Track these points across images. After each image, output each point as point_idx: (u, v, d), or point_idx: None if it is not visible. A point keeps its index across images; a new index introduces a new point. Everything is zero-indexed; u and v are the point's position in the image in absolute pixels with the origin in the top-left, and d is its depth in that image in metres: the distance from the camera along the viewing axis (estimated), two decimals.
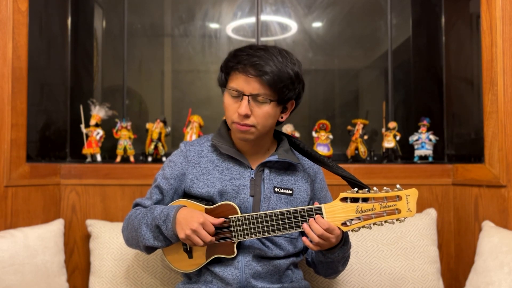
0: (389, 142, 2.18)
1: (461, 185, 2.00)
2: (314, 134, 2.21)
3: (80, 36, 2.39)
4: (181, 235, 1.36)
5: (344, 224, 1.31)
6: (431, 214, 1.95)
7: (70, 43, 2.32)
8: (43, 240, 1.80)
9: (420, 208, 2.01)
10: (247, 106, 1.37)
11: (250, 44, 1.45)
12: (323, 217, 1.32)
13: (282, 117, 1.47)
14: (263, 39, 2.46)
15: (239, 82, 1.38)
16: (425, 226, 1.90)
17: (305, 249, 1.58)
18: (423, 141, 2.16)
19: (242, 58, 1.37)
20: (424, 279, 1.81)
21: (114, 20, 2.49)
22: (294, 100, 1.46)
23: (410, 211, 1.29)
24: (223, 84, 1.45)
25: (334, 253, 1.40)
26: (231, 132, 1.51)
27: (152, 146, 2.16)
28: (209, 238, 1.34)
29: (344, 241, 1.41)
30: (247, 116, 1.38)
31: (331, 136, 2.19)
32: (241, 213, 1.39)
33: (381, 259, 1.82)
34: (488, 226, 1.79)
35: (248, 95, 1.37)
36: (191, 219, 1.35)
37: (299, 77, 1.41)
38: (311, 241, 1.33)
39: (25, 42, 1.90)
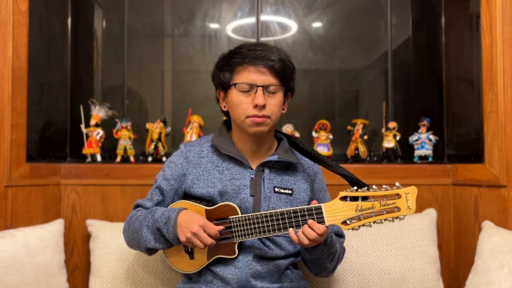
0: (389, 142, 2.18)
1: (461, 185, 2.00)
2: (314, 134, 2.21)
3: (80, 36, 2.39)
4: (182, 238, 1.36)
5: (344, 222, 1.32)
6: (431, 214, 1.95)
7: (70, 43, 2.32)
8: (43, 240, 1.80)
9: (420, 208, 2.01)
10: (263, 96, 1.40)
11: (241, 44, 1.47)
12: (323, 216, 1.32)
13: (283, 109, 1.51)
14: (263, 39, 2.46)
15: (249, 75, 1.41)
16: (425, 226, 1.90)
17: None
18: (423, 141, 2.16)
19: (247, 53, 1.41)
20: (424, 279, 1.81)
21: (114, 20, 2.49)
22: (290, 92, 1.52)
23: (410, 208, 1.30)
24: (227, 83, 1.45)
25: (318, 249, 1.40)
26: (233, 132, 1.52)
27: (152, 146, 2.16)
28: (209, 240, 1.35)
29: (328, 237, 1.40)
30: (264, 107, 1.40)
31: (331, 136, 2.19)
32: (242, 213, 1.39)
33: (381, 259, 1.82)
34: (488, 226, 1.79)
35: (262, 86, 1.40)
36: (192, 222, 1.35)
37: (294, 67, 1.49)
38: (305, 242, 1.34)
39: (25, 42, 1.90)
